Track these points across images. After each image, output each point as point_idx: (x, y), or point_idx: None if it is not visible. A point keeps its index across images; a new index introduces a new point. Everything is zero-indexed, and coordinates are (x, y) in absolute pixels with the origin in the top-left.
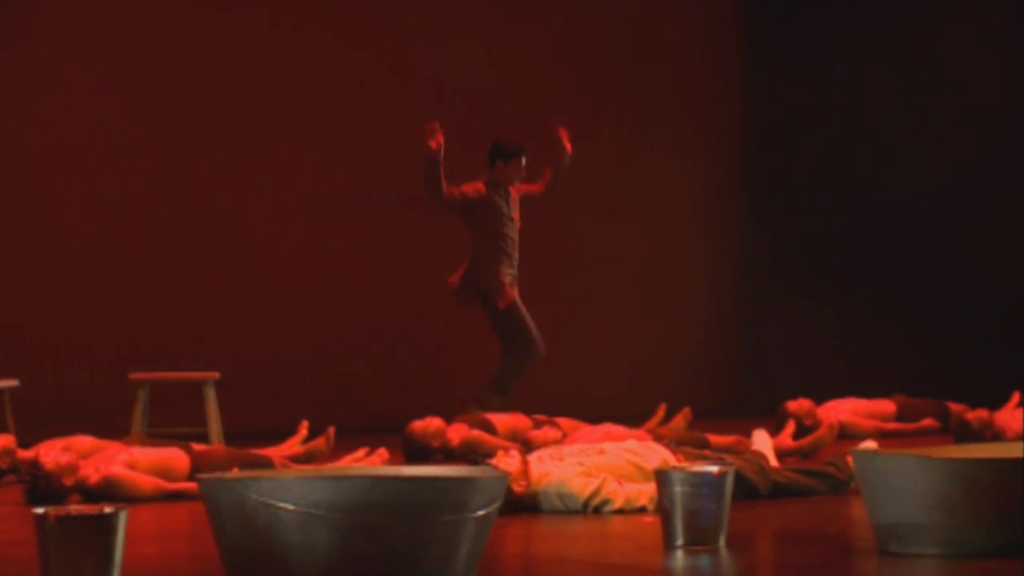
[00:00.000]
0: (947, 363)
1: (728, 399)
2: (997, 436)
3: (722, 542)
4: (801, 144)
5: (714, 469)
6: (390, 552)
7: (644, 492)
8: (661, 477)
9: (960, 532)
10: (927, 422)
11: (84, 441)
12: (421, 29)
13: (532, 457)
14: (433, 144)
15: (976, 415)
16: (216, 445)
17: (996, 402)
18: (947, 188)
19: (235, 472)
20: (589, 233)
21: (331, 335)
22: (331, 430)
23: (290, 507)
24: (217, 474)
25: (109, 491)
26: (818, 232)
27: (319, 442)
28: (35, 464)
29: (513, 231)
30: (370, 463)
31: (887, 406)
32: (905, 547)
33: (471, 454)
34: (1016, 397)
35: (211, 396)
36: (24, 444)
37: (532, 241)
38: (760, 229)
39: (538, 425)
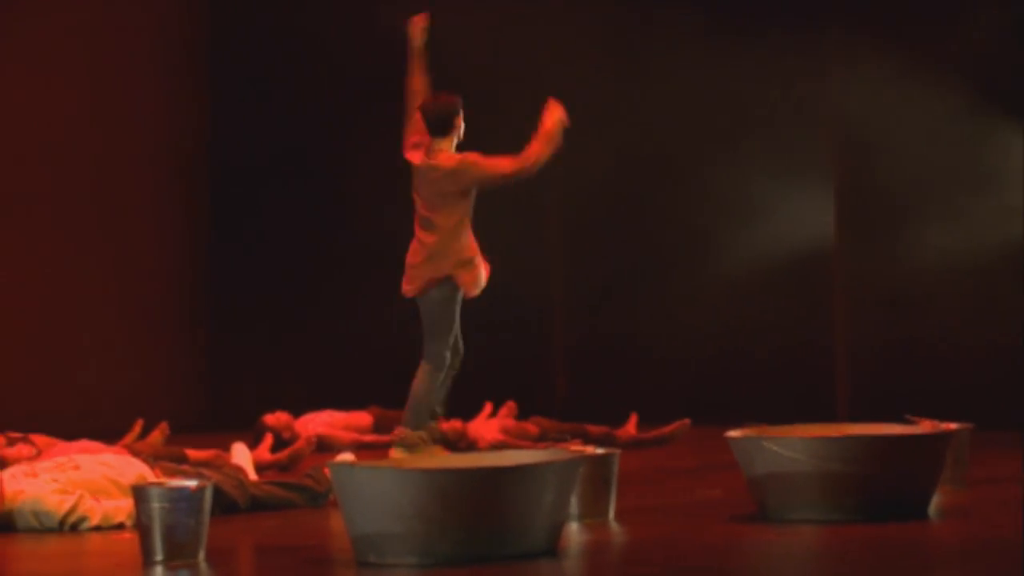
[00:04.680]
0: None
1: (203, 412)
2: (471, 446)
3: (202, 557)
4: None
5: (192, 484)
6: None
7: (122, 508)
8: (138, 493)
9: (435, 541)
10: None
11: None
12: None
13: (5, 474)
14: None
15: (450, 425)
16: None
17: (468, 412)
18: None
19: None
20: (64, 242)
21: None
22: None
23: None
24: None
25: None
26: (284, 253)
27: None
28: None
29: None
30: None
31: (363, 418)
32: (382, 557)
33: None
34: (488, 407)
35: None
36: None
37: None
38: (232, 248)
39: (11, 442)
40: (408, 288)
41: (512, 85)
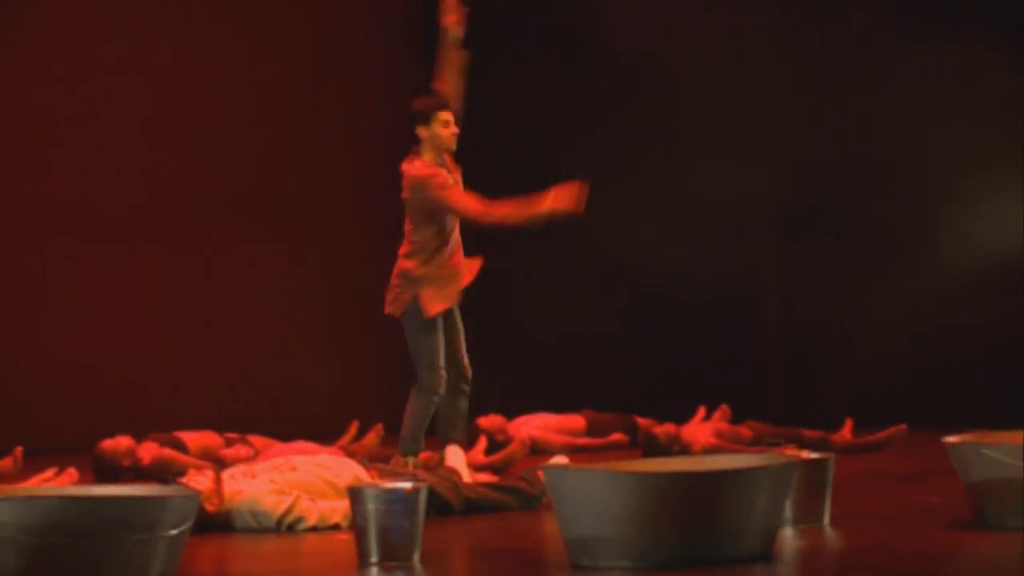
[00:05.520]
0: (631, 377)
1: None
2: (684, 450)
3: (416, 558)
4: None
5: (407, 485)
6: (80, 574)
7: (337, 509)
8: (354, 494)
9: (649, 545)
10: (616, 437)
11: None
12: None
13: (224, 475)
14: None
15: (664, 429)
16: None
17: (682, 416)
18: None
19: None
20: (271, 247)
21: (20, 355)
22: (19, 450)
23: None
24: None
25: None
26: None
27: (6, 463)
28: None
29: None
30: (59, 483)
31: (577, 421)
32: (595, 561)
33: (162, 473)
34: (702, 411)
35: None
36: None
37: (218, 261)
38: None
39: (230, 443)
40: (387, 308)
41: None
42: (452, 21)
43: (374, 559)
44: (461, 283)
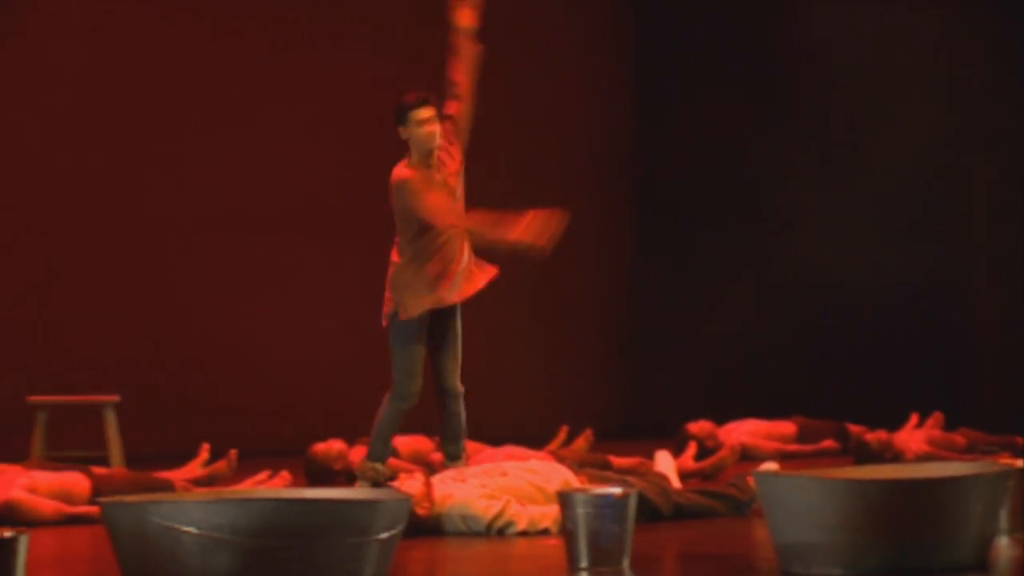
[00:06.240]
0: (842, 383)
1: (626, 420)
2: (897, 457)
3: (626, 564)
4: (695, 151)
5: (617, 491)
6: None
7: (547, 514)
8: (564, 499)
9: (861, 552)
10: (827, 443)
11: None
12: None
13: (435, 479)
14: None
15: (876, 436)
16: (117, 468)
17: (894, 423)
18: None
19: (136, 496)
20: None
21: (233, 358)
22: (233, 453)
23: (192, 530)
24: (118, 497)
25: (9, 515)
26: (706, 262)
27: (220, 465)
28: None
29: None
30: (272, 486)
31: (787, 427)
32: (807, 568)
33: (374, 476)
34: (914, 418)
35: (111, 419)
36: None
37: None
38: (654, 255)
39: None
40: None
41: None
42: (465, 13)
43: (583, 564)
44: (449, 292)
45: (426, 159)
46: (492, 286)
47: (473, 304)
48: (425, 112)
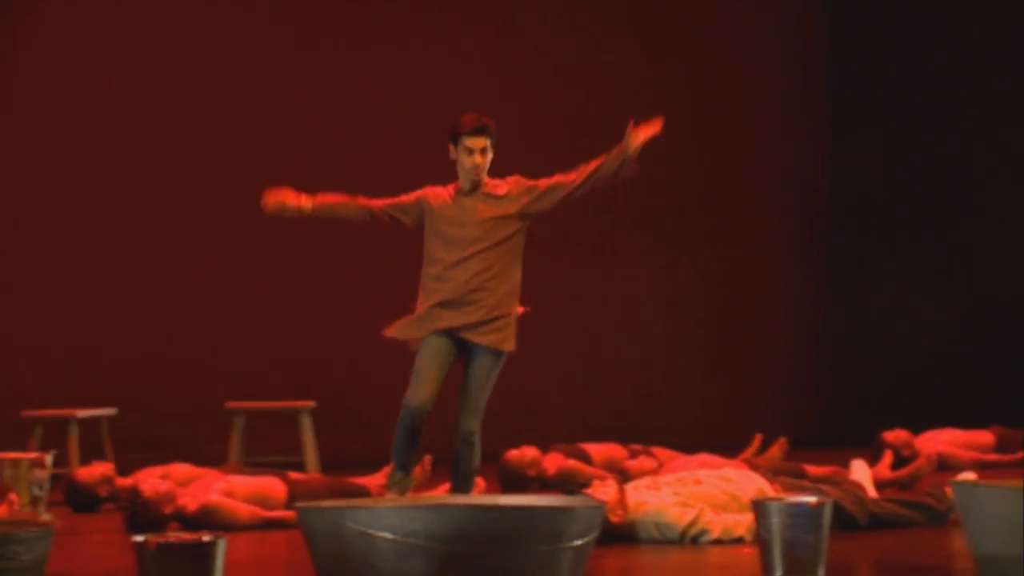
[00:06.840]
0: None
1: (821, 428)
2: None
3: (821, 573)
4: (892, 163)
5: (812, 500)
6: None
7: (741, 522)
8: (759, 508)
9: None
10: None
11: (182, 469)
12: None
13: (628, 487)
14: None
15: None
16: (313, 474)
17: None
18: None
19: (332, 501)
20: (677, 258)
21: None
22: (427, 459)
23: (387, 536)
24: (315, 503)
25: (207, 519)
26: (903, 268)
27: (416, 472)
28: (134, 492)
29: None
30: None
31: (985, 437)
32: None
33: (567, 483)
34: None
35: (307, 425)
36: (121, 472)
37: (617, 269)
38: (850, 263)
39: (634, 455)
40: None
41: None
42: (638, 134)
43: (778, 573)
44: (433, 320)
45: (466, 184)
46: (684, 295)
47: (670, 313)
48: (476, 141)
